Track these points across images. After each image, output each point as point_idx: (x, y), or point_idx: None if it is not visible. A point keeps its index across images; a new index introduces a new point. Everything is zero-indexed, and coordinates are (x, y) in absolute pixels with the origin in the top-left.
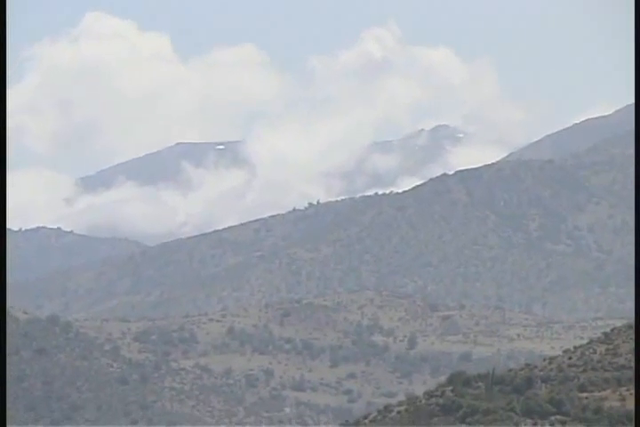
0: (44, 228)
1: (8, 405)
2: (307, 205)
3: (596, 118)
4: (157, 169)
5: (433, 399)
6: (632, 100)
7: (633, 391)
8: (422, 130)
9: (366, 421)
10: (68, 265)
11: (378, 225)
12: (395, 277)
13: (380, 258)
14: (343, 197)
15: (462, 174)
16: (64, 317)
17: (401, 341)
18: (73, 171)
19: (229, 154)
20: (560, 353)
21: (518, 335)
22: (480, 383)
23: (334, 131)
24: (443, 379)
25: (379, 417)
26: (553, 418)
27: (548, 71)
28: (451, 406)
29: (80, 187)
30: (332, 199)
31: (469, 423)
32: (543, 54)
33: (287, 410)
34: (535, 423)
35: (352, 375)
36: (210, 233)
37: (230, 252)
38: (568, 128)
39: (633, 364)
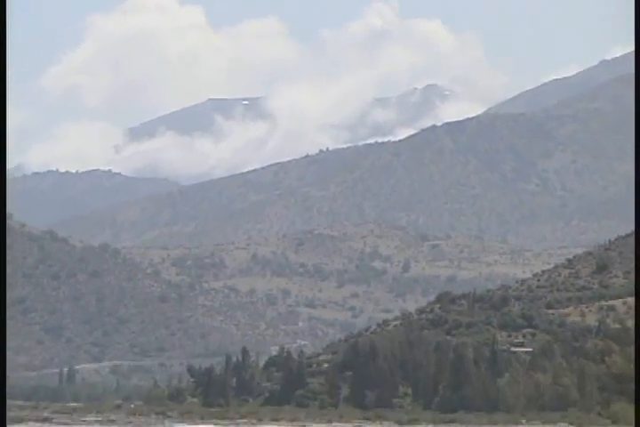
0: (97, 170)
1: (67, 320)
2: (318, 151)
3: (561, 79)
4: (193, 121)
5: (423, 315)
6: (592, 63)
7: (592, 309)
8: (416, 89)
9: (367, 333)
10: (116, 201)
11: (377, 168)
12: (392, 211)
13: (379, 196)
14: (348, 145)
15: (449, 126)
16: (113, 245)
17: (396, 266)
18: (122, 122)
19: (254, 108)
20: (530, 276)
21: (495, 261)
22: (463, 301)
23: (341, 89)
24: (432, 298)
25: (378, 330)
26: (524, 331)
27: (522, 40)
28: (438, 320)
29: (127, 136)
30: (339, 146)
31: (454, 335)
32: (519, 26)
33: (301, 324)
34: (509, 335)
35: (355, 295)
36: (237, 175)
37: (254, 191)
38: (538, 87)
39: (594, 286)
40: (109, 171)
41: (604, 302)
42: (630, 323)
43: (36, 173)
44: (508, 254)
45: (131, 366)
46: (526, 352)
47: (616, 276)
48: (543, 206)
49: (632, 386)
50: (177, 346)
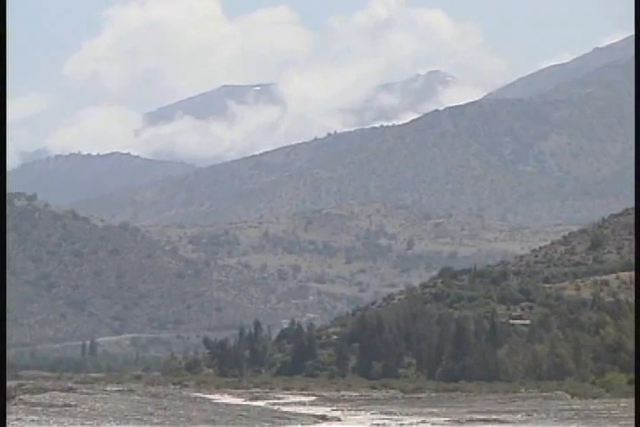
0: (116, 153)
1: (89, 295)
2: (326, 134)
3: (557, 65)
4: (208, 106)
5: (427, 289)
6: (586, 51)
7: (586, 283)
8: (419, 75)
9: (374, 306)
10: (135, 182)
11: (383, 151)
12: (396, 191)
13: (385, 177)
14: (355, 129)
15: (450, 110)
16: (133, 223)
17: (401, 243)
18: (140, 107)
19: (265, 94)
20: (528, 252)
21: (495, 238)
22: (464, 276)
23: (348, 75)
24: (434, 273)
25: (383, 304)
26: (523, 304)
27: (520, 29)
28: (441, 294)
29: (146, 120)
30: (347, 130)
31: (456, 308)
32: (516, 15)
33: (311, 298)
34: (508, 308)
35: (362, 270)
36: (249, 157)
37: (265, 172)
38: (535, 73)
39: (589, 262)
40: (128, 153)
41: (597, 277)
42: (623, 296)
43: (59, 156)
44: (507, 232)
45: (149, 338)
46: (524, 324)
47: (609, 252)
48: (540, 186)
49: (623, 356)
50: (193, 319)
